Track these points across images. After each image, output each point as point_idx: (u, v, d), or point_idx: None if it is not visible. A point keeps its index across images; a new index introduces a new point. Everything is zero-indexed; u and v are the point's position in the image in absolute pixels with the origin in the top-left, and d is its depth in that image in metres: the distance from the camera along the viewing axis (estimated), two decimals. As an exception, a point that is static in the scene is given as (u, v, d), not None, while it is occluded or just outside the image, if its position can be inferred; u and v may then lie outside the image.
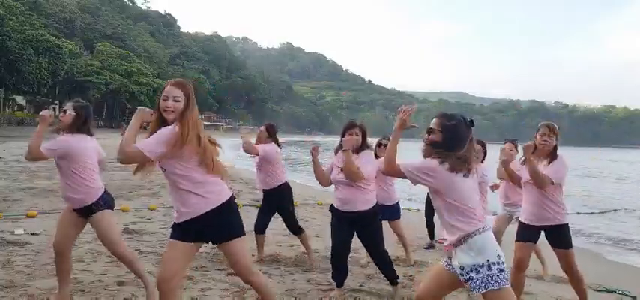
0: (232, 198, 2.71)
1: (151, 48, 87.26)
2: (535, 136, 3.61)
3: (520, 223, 3.76)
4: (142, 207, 7.52)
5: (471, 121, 2.54)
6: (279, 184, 4.86)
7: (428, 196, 5.79)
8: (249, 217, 5.44)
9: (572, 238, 3.70)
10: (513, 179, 3.93)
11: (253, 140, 4.94)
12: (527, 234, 3.66)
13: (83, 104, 3.43)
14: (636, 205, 14.32)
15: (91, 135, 3.42)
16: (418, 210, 9.05)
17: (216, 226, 2.61)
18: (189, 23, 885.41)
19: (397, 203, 5.31)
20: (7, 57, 44.84)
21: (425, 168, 2.46)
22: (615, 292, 4.85)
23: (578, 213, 10.61)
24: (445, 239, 2.54)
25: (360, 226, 3.82)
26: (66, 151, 3.25)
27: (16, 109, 54.20)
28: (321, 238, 6.39)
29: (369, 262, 4.72)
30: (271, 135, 4.92)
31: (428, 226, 6.32)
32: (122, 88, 62.20)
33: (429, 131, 2.50)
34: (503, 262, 2.35)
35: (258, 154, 4.70)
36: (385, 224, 4.44)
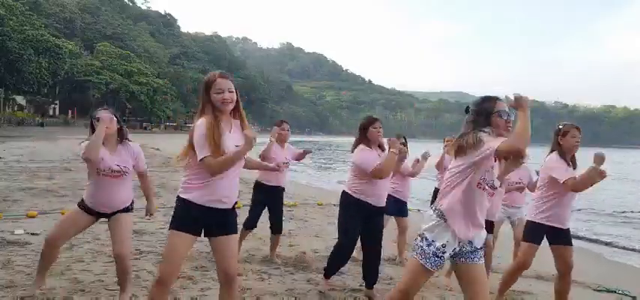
0: None
1: (151, 48, 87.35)
2: (562, 138, 3.59)
3: (538, 224, 3.68)
4: (142, 207, 7.51)
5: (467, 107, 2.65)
6: (284, 182, 4.96)
7: (434, 193, 5.82)
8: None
9: (573, 239, 3.71)
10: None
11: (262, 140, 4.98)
12: (540, 236, 3.66)
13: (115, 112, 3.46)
14: (637, 205, 14.32)
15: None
16: (418, 210, 9.06)
17: (232, 217, 2.68)
18: (189, 23, 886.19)
19: (406, 201, 5.37)
20: (7, 57, 44.86)
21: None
22: (615, 292, 4.85)
23: (579, 209, 10.61)
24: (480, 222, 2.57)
25: (373, 219, 3.86)
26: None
27: (16, 109, 54.23)
28: (321, 238, 6.40)
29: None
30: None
31: None
32: (122, 88, 62.24)
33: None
34: None
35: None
36: (391, 219, 4.47)
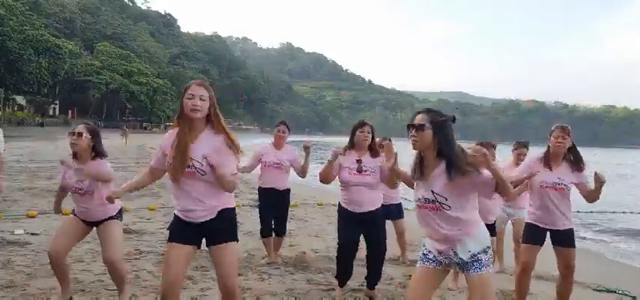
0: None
1: (151, 48, 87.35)
2: (549, 139, 3.59)
3: (529, 224, 3.67)
4: (141, 207, 7.53)
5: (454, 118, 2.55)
6: (289, 185, 4.95)
7: None
8: (248, 218, 5.47)
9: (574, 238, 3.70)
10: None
11: (266, 140, 4.98)
12: (535, 236, 3.65)
13: (94, 127, 3.44)
14: (637, 205, 14.31)
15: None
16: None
17: (220, 227, 2.60)
18: (189, 23, 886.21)
19: (400, 203, 5.33)
20: (7, 57, 44.88)
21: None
22: (615, 292, 4.84)
23: (578, 211, 10.60)
24: (447, 237, 2.50)
25: (369, 225, 3.84)
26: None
27: (16, 109, 54.24)
28: (321, 238, 6.40)
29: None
30: None
31: None
32: (122, 88, 62.27)
33: (419, 127, 2.50)
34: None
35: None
36: (388, 223, 4.44)
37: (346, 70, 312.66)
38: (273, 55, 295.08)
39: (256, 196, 8.48)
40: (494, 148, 4.74)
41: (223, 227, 2.60)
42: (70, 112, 60.26)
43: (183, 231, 2.59)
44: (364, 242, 4.03)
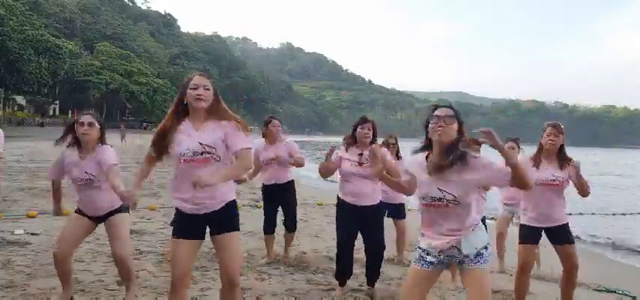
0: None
1: (151, 48, 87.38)
2: (542, 136, 3.60)
3: (524, 225, 3.69)
4: (142, 207, 7.53)
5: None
6: (291, 177, 4.95)
7: None
8: (249, 218, 5.47)
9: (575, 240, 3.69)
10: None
11: (256, 137, 4.94)
12: (531, 236, 3.65)
13: (100, 118, 3.42)
14: (637, 205, 14.32)
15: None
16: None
17: (224, 217, 2.64)
18: (189, 23, 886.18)
19: (403, 203, 5.35)
20: (7, 57, 44.87)
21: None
22: (615, 292, 4.85)
23: (581, 213, 10.61)
24: (452, 233, 2.50)
25: (367, 220, 3.85)
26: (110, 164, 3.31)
27: (16, 109, 54.24)
28: (321, 238, 6.39)
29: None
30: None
31: None
32: (122, 88, 62.28)
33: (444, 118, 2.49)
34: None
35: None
36: (389, 222, 4.46)
37: (346, 70, 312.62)
38: (273, 55, 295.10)
39: (256, 196, 8.51)
40: (518, 145, 4.80)
41: (229, 216, 2.65)
42: (70, 112, 60.21)
43: (188, 225, 2.60)
44: (363, 242, 4.03)
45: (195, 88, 2.52)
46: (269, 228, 4.90)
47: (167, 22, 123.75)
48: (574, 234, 3.72)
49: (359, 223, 3.87)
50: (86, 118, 3.25)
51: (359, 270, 4.70)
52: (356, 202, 3.82)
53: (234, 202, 2.69)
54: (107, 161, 3.20)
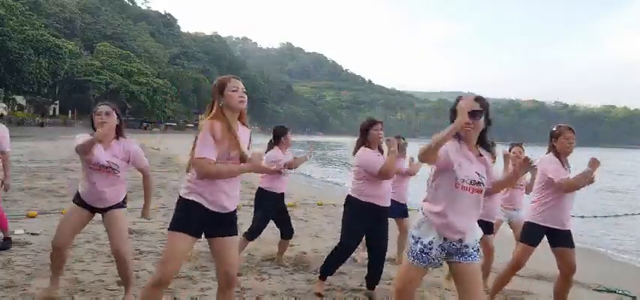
0: None
1: (151, 48, 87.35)
2: (556, 140, 3.61)
3: (536, 225, 3.68)
4: (140, 207, 7.52)
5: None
6: (284, 188, 4.89)
7: None
8: (249, 218, 5.44)
9: (574, 239, 3.70)
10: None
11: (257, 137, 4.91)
12: (537, 237, 3.66)
13: (115, 107, 3.44)
14: (637, 205, 14.32)
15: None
16: (419, 210, 9.05)
17: (233, 220, 2.68)
18: (189, 23, 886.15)
19: (405, 203, 5.36)
20: (7, 57, 44.89)
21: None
22: (615, 292, 4.85)
23: (583, 216, 10.63)
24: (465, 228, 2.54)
25: (381, 221, 3.86)
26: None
27: (16, 109, 54.20)
28: (321, 238, 6.39)
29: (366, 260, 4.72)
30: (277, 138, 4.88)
31: None
32: (122, 88, 62.27)
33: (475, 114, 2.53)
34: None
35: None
36: (391, 221, 4.43)
37: (346, 70, 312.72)
38: (273, 55, 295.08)
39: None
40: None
41: (235, 219, 2.71)
42: (70, 112, 60.25)
43: (197, 222, 2.56)
44: (370, 244, 4.02)
45: (236, 90, 2.59)
46: (256, 236, 4.80)
47: (167, 22, 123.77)
48: (574, 234, 3.73)
49: (372, 223, 3.85)
50: (104, 109, 3.29)
51: (359, 269, 4.70)
52: (383, 204, 3.82)
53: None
54: (139, 159, 3.40)
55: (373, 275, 3.98)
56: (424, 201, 2.62)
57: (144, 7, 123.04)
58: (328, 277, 4.14)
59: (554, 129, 3.70)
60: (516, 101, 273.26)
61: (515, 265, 3.69)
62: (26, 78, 47.80)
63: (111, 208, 3.37)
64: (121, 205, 3.43)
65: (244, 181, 11.93)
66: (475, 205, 2.53)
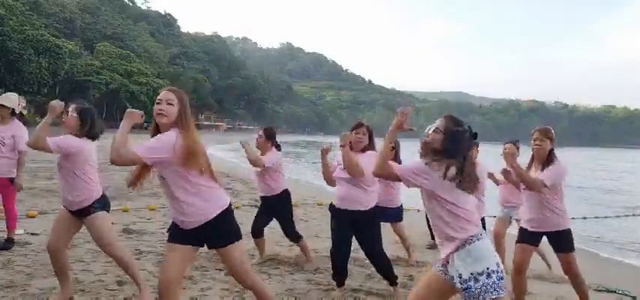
0: (230, 204, 2.73)
1: (151, 48, 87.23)
2: (532, 141, 3.63)
3: (521, 227, 3.73)
4: (142, 207, 7.53)
5: (476, 134, 2.49)
6: (280, 191, 4.76)
7: None
8: (249, 218, 5.46)
9: (574, 239, 3.70)
10: (515, 183, 3.96)
11: (252, 144, 4.87)
12: (528, 237, 3.66)
13: (86, 108, 3.46)
14: (637, 206, 14.32)
15: (93, 139, 3.46)
16: (418, 210, 9.05)
17: (216, 233, 2.62)
18: (189, 23, 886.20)
19: (400, 206, 5.31)
20: (7, 57, 44.89)
21: (419, 170, 2.40)
22: (615, 292, 4.84)
23: (585, 218, 10.63)
24: (441, 246, 2.44)
25: (358, 226, 3.82)
26: (70, 151, 3.28)
27: (16, 109, 54.16)
28: (321, 238, 6.40)
29: (367, 261, 4.71)
30: (271, 138, 4.78)
31: (429, 225, 6.32)
32: (122, 88, 62.22)
33: (434, 130, 2.45)
34: (502, 271, 2.29)
35: (263, 166, 4.59)
36: (387, 226, 4.44)
37: (346, 70, 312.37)
38: (273, 55, 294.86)
39: (256, 196, 8.48)
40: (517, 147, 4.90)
41: (214, 232, 2.66)
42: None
43: (180, 233, 2.66)
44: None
45: (158, 102, 2.56)
46: (258, 233, 4.87)
47: (167, 22, 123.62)
48: (575, 234, 3.73)
49: (351, 227, 3.83)
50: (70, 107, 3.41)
51: (359, 269, 4.70)
52: (344, 206, 3.78)
53: (223, 213, 2.63)
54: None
55: (382, 274, 3.97)
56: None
57: (144, 7, 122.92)
58: (328, 277, 4.15)
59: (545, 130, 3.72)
60: (516, 101, 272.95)
61: (517, 268, 3.66)
62: (26, 78, 47.80)
63: (87, 212, 3.34)
64: (95, 208, 3.36)
65: (244, 180, 11.92)
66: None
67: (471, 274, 2.26)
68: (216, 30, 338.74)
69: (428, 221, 6.34)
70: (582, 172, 28.14)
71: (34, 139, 3.20)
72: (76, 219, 3.39)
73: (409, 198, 5.49)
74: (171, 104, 2.52)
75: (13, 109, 4.80)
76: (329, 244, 4.78)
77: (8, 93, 5.01)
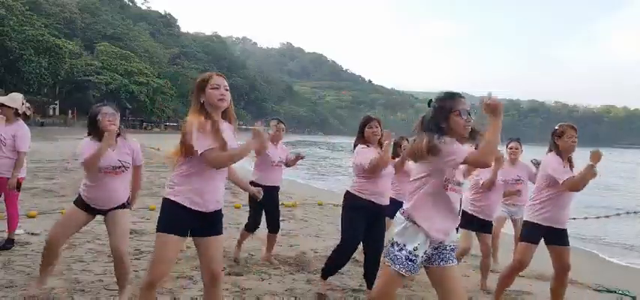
0: None
1: (150, 48, 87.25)
2: (559, 138, 3.61)
3: (535, 224, 3.67)
4: (141, 207, 7.53)
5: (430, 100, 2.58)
6: (280, 181, 4.92)
7: None
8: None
9: (574, 240, 3.71)
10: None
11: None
12: (537, 236, 3.66)
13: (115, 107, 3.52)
14: (637, 205, 14.32)
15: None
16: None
17: (219, 219, 2.68)
18: (189, 23, 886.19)
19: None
20: (7, 57, 44.90)
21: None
22: (615, 292, 4.84)
23: (586, 217, 10.63)
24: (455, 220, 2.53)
25: (379, 220, 3.87)
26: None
27: (16, 109, 54.11)
28: (321, 238, 6.39)
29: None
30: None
31: None
32: (122, 88, 62.23)
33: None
34: None
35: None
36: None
37: (346, 70, 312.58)
38: (273, 55, 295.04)
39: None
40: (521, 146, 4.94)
41: (219, 219, 2.71)
42: (70, 112, 60.22)
43: (182, 222, 2.57)
44: (367, 243, 4.02)
45: (217, 88, 2.56)
46: (255, 227, 4.89)
47: (167, 22, 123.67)
48: (575, 234, 3.74)
49: (370, 222, 3.85)
50: (108, 110, 3.36)
51: (359, 270, 4.70)
52: (381, 202, 3.82)
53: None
54: (139, 155, 3.50)
55: (371, 275, 3.96)
56: (408, 205, 2.53)
57: (144, 7, 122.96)
58: (328, 277, 4.15)
59: (556, 127, 3.70)
60: (516, 101, 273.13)
61: (519, 265, 3.68)
62: (26, 78, 47.80)
63: (115, 208, 3.40)
64: (125, 205, 3.48)
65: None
66: (458, 205, 2.53)
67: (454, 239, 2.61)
68: (216, 30, 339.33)
69: None
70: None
71: (91, 161, 3.23)
72: (90, 216, 3.47)
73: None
74: (228, 90, 2.61)
75: (17, 110, 4.82)
76: (329, 243, 4.79)
77: (13, 94, 5.02)
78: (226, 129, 2.60)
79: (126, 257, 3.37)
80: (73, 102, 61.26)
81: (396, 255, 2.48)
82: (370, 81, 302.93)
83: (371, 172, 3.71)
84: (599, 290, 4.87)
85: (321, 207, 9.34)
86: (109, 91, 60.81)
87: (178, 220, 2.55)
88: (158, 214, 2.63)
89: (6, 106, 4.75)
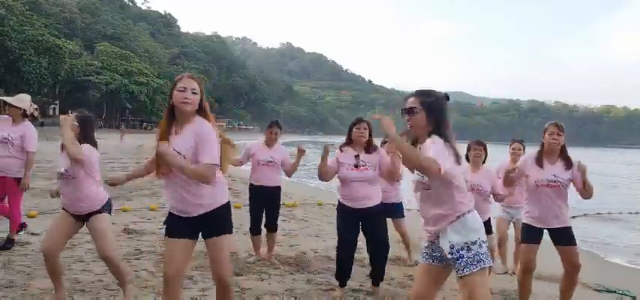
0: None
1: (150, 48, 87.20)
2: (544, 136, 3.61)
3: (526, 225, 3.69)
4: (141, 207, 7.53)
5: (447, 95, 2.53)
6: (273, 181, 4.93)
7: None
8: (249, 218, 5.45)
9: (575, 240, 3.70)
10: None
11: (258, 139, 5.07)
12: (533, 236, 3.66)
13: (85, 116, 3.49)
14: (637, 205, 14.31)
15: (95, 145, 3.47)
16: (418, 210, 9.05)
17: (218, 221, 2.68)
18: (189, 23, 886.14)
19: (401, 202, 5.33)
20: (7, 57, 44.88)
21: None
22: (615, 292, 4.84)
23: (586, 215, 10.63)
24: (431, 226, 2.47)
25: (368, 221, 3.86)
26: (88, 159, 3.31)
27: (16, 109, 54.12)
28: (321, 238, 6.40)
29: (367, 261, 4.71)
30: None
31: None
32: (122, 88, 62.19)
33: (410, 111, 2.41)
34: (487, 242, 2.41)
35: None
36: (388, 223, 4.43)
37: (346, 70, 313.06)
38: (273, 55, 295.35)
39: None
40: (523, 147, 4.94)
41: (215, 221, 2.70)
42: (70, 112, 60.02)
43: (176, 225, 2.68)
44: (364, 242, 4.03)
45: (182, 90, 2.52)
46: (257, 230, 4.92)
47: (167, 22, 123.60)
48: (576, 235, 3.72)
49: (360, 223, 3.87)
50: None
51: (359, 269, 4.70)
52: (355, 205, 3.82)
53: (226, 204, 2.72)
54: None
55: (374, 271, 3.98)
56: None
57: (144, 7, 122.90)
58: (328, 277, 4.15)
59: (545, 125, 3.72)
60: (516, 101, 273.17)
61: (525, 267, 3.66)
62: (26, 78, 47.76)
63: (92, 214, 3.34)
64: (101, 210, 3.37)
65: (244, 180, 11.90)
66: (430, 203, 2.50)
67: (465, 243, 2.33)
68: (216, 30, 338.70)
69: None
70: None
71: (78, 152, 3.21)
72: (77, 222, 3.39)
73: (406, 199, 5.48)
74: (196, 93, 2.55)
75: (25, 110, 4.84)
76: (329, 243, 4.79)
77: (21, 94, 5.05)
78: (183, 135, 2.54)
79: (115, 260, 3.34)
80: (73, 102, 61.16)
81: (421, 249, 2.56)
82: (370, 81, 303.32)
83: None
84: (599, 290, 4.87)
85: (321, 207, 9.35)
86: (109, 91, 60.82)
87: (173, 225, 2.67)
88: (158, 215, 2.66)
89: (13, 106, 4.77)
